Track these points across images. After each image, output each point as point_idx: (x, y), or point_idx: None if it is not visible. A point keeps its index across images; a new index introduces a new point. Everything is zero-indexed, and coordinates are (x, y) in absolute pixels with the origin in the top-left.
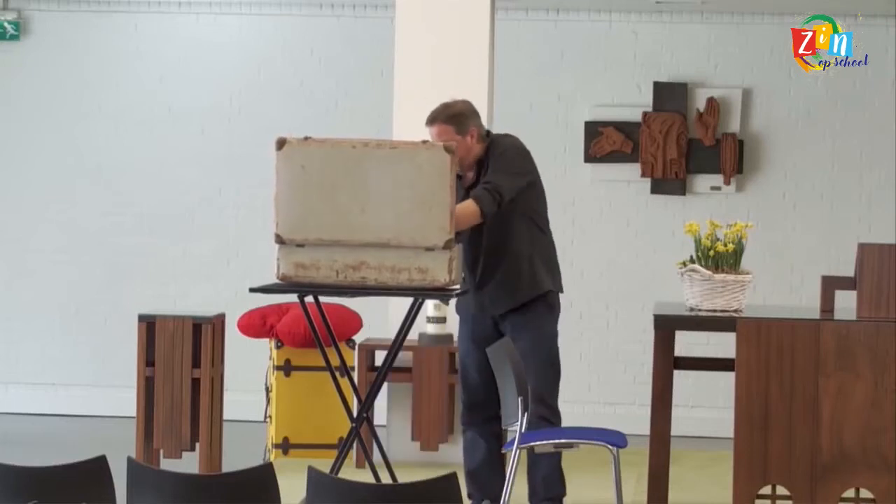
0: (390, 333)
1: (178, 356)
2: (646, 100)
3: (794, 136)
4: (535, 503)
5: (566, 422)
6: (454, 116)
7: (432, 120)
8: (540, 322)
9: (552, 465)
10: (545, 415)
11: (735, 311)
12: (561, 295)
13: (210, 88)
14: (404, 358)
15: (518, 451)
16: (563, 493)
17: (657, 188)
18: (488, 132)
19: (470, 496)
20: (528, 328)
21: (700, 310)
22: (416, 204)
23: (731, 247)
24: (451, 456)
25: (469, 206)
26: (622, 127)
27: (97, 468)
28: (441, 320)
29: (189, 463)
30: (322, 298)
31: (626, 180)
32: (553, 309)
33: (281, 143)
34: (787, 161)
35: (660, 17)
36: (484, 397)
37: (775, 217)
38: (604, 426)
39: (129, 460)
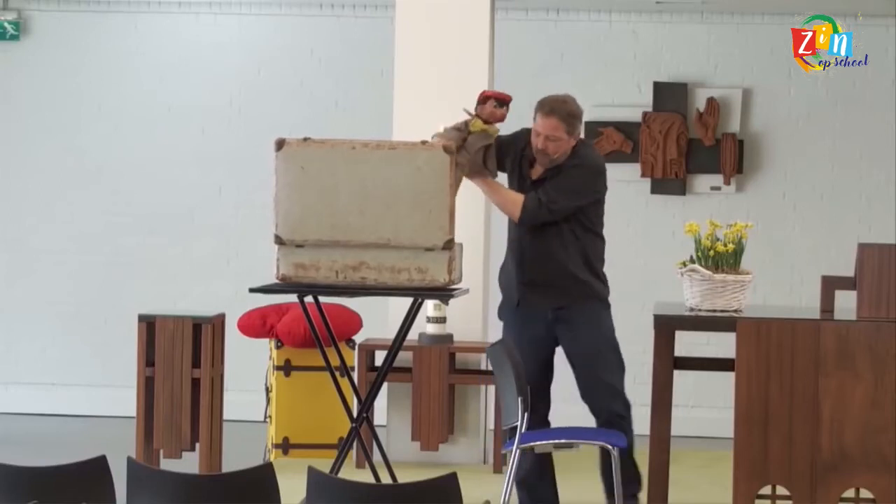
0: (390, 333)
1: (178, 356)
2: (646, 100)
3: (794, 136)
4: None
5: (565, 422)
6: (572, 116)
7: (550, 111)
8: (598, 317)
9: (626, 462)
10: (623, 412)
11: (735, 311)
12: None
13: (210, 88)
14: (404, 358)
15: (518, 451)
16: (640, 489)
17: (657, 188)
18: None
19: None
20: (587, 326)
21: (700, 310)
22: (416, 204)
23: (731, 247)
24: (451, 456)
25: (516, 202)
26: (622, 127)
27: (97, 468)
28: (441, 320)
29: (189, 463)
30: (322, 298)
31: (626, 180)
32: (606, 304)
33: (280, 144)
34: (787, 161)
35: (660, 17)
36: (532, 400)
37: (775, 217)
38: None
39: (129, 460)
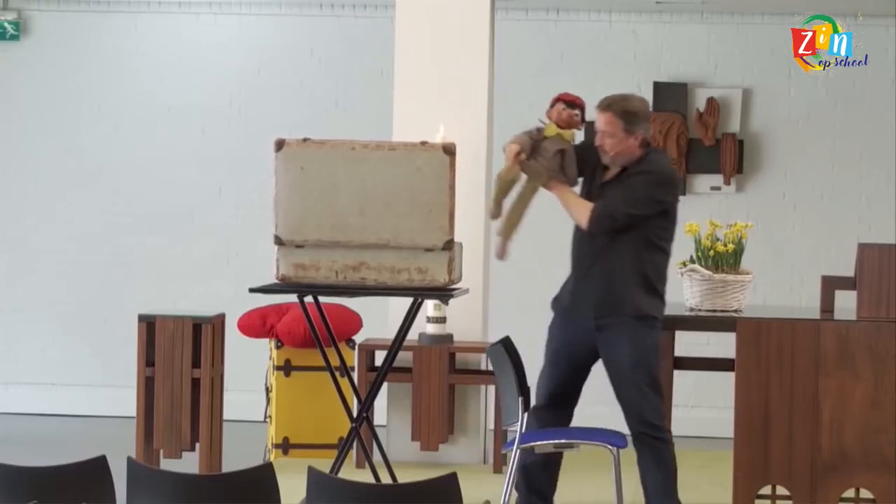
0: (390, 333)
1: (178, 356)
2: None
3: (794, 136)
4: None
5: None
6: (629, 113)
7: (606, 107)
8: (634, 334)
9: (660, 477)
10: (645, 432)
11: (735, 311)
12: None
13: (210, 88)
14: (404, 358)
15: (518, 451)
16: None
17: None
18: (648, 143)
19: (516, 487)
20: (622, 341)
21: (700, 310)
22: (416, 205)
23: (731, 247)
24: (451, 456)
25: (585, 210)
26: None
27: (97, 468)
28: (441, 320)
29: (189, 463)
30: (322, 298)
31: None
32: (650, 322)
33: (280, 145)
34: (787, 161)
35: (660, 17)
36: (557, 395)
37: (775, 217)
38: (604, 426)
39: (129, 460)
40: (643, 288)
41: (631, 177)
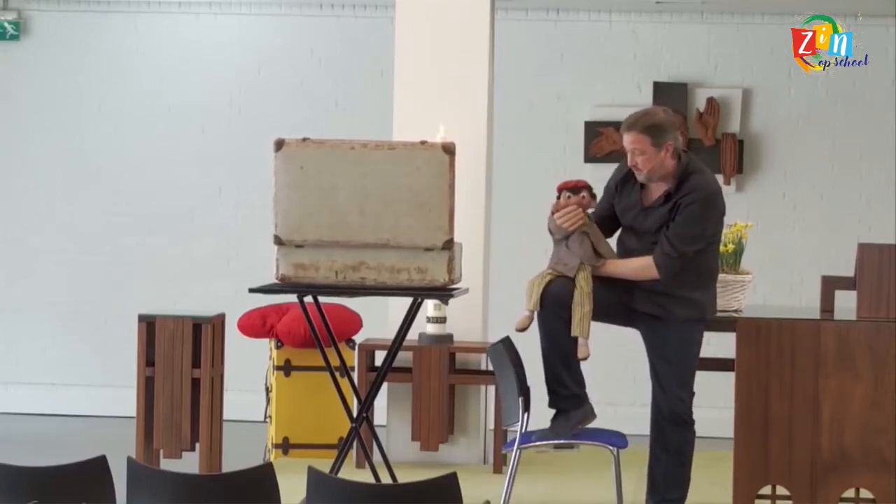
0: (390, 333)
1: (178, 356)
2: (646, 100)
3: (794, 136)
4: (654, 501)
5: None
6: (652, 127)
7: (629, 126)
8: (681, 331)
9: (675, 462)
10: (682, 414)
11: (735, 311)
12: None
13: (210, 88)
14: (404, 358)
15: (518, 452)
16: (685, 495)
17: None
18: (682, 153)
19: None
20: (670, 334)
21: None
22: (415, 204)
23: (731, 247)
24: (452, 456)
25: (649, 267)
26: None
27: (97, 468)
28: (441, 320)
29: (189, 463)
30: (322, 298)
31: None
32: (696, 320)
33: (279, 145)
34: (787, 161)
35: (660, 17)
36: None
37: (775, 217)
38: (604, 426)
39: (129, 460)
40: (690, 287)
41: (679, 208)
